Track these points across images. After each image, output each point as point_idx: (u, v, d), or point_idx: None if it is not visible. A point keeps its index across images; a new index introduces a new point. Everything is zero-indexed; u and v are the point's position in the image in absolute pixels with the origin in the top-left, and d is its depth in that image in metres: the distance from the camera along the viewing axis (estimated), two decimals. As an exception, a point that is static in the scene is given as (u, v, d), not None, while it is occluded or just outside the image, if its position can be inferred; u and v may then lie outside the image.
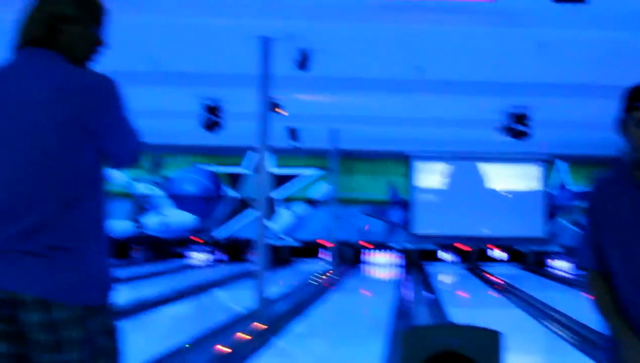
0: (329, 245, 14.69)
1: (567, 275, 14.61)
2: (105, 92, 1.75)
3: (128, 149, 1.82)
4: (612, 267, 2.03)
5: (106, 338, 1.69)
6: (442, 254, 17.39)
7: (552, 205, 17.04)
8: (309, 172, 17.34)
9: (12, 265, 1.63)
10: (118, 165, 1.84)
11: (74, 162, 1.71)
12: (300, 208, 17.21)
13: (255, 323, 6.60)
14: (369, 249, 17.21)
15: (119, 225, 17.21)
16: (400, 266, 16.55)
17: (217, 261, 17.20)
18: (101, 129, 1.74)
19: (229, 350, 5.38)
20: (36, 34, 1.76)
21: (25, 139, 1.69)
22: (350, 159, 17.00)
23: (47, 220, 1.65)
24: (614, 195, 2.01)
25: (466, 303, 10.31)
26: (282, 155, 15.81)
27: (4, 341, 1.66)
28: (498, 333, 2.56)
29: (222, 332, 6.44)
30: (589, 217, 2.07)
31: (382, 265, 17.01)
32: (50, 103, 1.69)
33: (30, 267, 1.62)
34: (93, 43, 1.82)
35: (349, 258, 17.17)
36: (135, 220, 17.44)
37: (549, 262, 17.20)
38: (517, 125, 11.13)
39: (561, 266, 16.73)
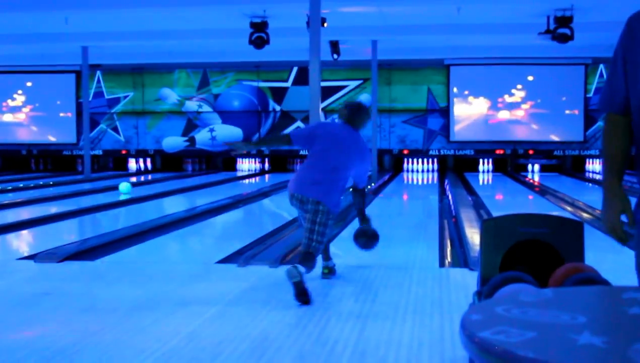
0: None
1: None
2: (365, 147, 4.60)
3: (365, 175, 4.70)
4: (632, 104, 1.83)
5: (329, 219, 4.40)
6: (479, 160, 17.64)
7: (592, 109, 17.00)
8: (349, 84, 17.53)
9: (313, 187, 4.38)
10: (357, 182, 4.69)
11: (348, 162, 4.47)
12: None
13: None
14: (409, 157, 17.56)
15: (173, 141, 18.00)
16: (440, 172, 16.88)
17: (263, 171, 17.80)
18: (358, 161, 4.52)
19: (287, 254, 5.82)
20: (345, 120, 4.63)
21: (342, 150, 4.45)
22: (390, 70, 17.08)
23: (330, 178, 4.41)
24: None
25: (507, 206, 10.62)
26: (323, 68, 16.00)
27: (305, 214, 4.38)
28: (581, 223, 2.48)
29: (275, 236, 6.92)
30: (617, 54, 1.86)
31: (422, 171, 17.37)
32: (351, 142, 4.51)
33: (316, 189, 4.36)
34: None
35: (389, 166, 17.55)
36: (187, 136, 18.12)
37: (588, 165, 17.34)
38: (561, 29, 10.94)
39: (600, 169, 16.85)
